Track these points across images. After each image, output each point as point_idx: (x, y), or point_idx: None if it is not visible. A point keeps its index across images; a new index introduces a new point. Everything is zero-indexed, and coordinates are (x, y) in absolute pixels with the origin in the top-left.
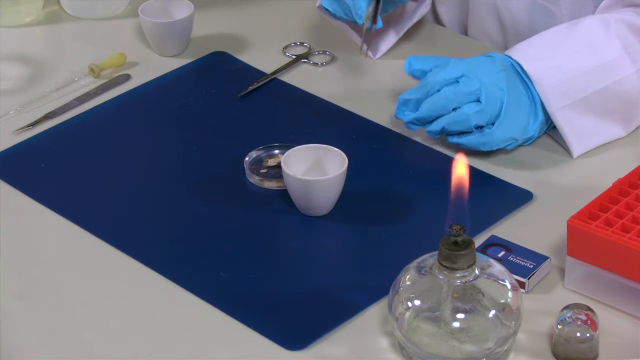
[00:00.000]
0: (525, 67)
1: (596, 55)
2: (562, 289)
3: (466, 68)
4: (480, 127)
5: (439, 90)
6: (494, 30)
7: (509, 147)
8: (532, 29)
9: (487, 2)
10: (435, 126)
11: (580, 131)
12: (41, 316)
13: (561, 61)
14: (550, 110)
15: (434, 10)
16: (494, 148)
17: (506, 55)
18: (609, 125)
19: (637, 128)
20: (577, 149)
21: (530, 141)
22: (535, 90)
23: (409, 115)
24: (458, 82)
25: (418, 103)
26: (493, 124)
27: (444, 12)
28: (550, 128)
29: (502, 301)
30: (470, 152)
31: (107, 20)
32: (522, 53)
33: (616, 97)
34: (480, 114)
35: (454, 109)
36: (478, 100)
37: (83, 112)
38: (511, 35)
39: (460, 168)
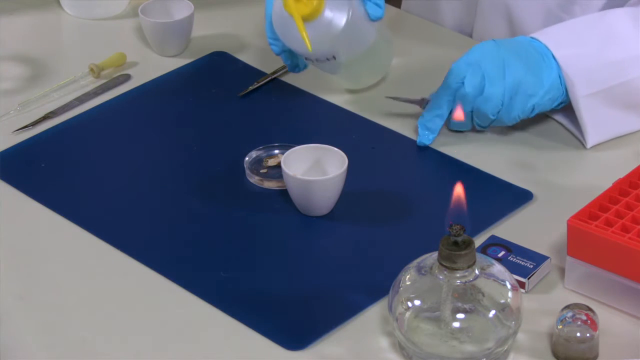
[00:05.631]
0: (554, 52)
1: (622, 48)
2: (562, 289)
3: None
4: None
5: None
6: (502, 35)
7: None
8: None
9: (499, 6)
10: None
11: (600, 122)
12: (41, 316)
13: (589, 49)
14: (573, 96)
15: (434, 8)
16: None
17: (533, 38)
18: (627, 118)
19: None
20: (592, 139)
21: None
22: (551, 58)
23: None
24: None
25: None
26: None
27: (446, 10)
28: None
29: (502, 301)
30: (470, 151)
31: (107, 20)
32: (550, 37)
33: (638, 92)
34: (489, 103)
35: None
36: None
37: (83, 112)
38: None
39: (458, 189)
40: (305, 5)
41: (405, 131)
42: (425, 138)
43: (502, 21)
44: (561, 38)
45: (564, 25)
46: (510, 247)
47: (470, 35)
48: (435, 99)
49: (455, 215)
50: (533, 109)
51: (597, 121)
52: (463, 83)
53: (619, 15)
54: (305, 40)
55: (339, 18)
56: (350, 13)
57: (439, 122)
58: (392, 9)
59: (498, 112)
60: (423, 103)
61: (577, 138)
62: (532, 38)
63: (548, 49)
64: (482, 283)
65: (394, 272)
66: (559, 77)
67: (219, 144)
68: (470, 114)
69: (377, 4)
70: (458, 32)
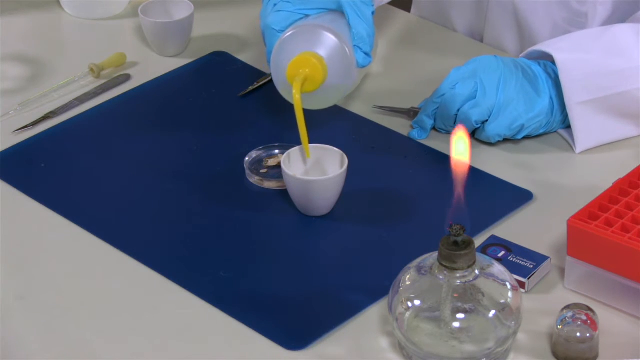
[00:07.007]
0: (555, 56)
1: (624, 59)
2: (562, 289)
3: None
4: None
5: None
6: (511, 43)
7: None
8: None
9: (507, 17)
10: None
11: (591, 130)
12: (41, 316)
13: (589, 56)
14: (568, 101)
15: (444, 16)
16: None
17: (535, 50)
18: (621, 127)
19: None
20: (581, 145)
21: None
22: (547, 86)
23: (424, 134)
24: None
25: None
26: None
27: (455, 16)
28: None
29: (502, 301)
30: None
31: (107, 20)
32: (552, 43)
33: (635, 103)
34: (477, 108)
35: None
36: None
37: (83, 112)
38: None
39: (460, 145)
40: (310, 84)
41: (405, 131)
42: (415, 133)
43: (511, 27)
44: (564, 45)
45: (568, 35)
46: (510, 247)
47: (482, 41)
48: (427, 101)
49: (457, 210)
50: (520, 130)
51: (588, 128)
52: (455, 87)
53: (623, 28)
54: (305, 150)
55: (342, 87)
56: (353, 79)
57: (429, 122)
58: (401, 13)
59: (483, 123)
60: (411, 113)
61: (568, 142)
62: (534, 50)
63: (545, 73)
64: (482, 283)
65: (394, 272)
66: (551, 102)
67: (219, 144)
68: (454, 117)
69: (366, 54)
70: (470, 37)
